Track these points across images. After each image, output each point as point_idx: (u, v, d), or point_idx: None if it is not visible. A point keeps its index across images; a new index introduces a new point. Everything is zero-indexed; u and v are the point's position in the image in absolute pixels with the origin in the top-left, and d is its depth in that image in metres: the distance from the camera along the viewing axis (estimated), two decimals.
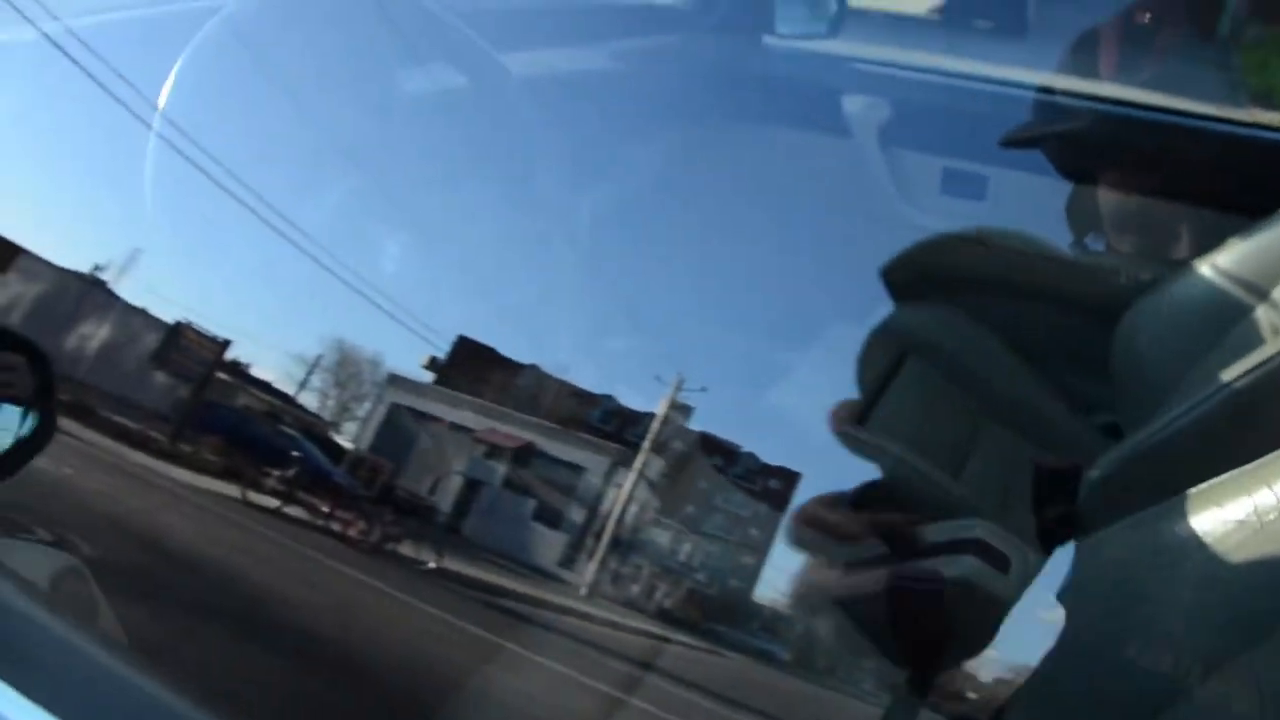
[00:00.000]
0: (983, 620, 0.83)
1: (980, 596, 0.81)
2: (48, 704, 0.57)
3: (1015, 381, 1.01)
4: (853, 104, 1.35)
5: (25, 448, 1.03)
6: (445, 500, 4.18)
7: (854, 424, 1.00)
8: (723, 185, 1.53)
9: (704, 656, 3.99)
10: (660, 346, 2.58)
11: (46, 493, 2.56)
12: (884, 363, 1.01)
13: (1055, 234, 1.30)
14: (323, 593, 3.30)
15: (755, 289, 1.67)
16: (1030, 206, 1.30)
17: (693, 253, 1.86)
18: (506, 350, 3.30)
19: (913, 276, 1.11)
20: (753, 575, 4.75)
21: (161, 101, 1.79)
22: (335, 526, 3.53)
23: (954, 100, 1.25)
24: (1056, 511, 0.82)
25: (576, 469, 4.59)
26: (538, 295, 2.52)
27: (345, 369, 2.87)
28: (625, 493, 4.07)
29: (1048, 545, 0.84)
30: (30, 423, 1.03)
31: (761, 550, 4.51)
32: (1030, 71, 1.29)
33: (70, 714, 0.58)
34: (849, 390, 1.14)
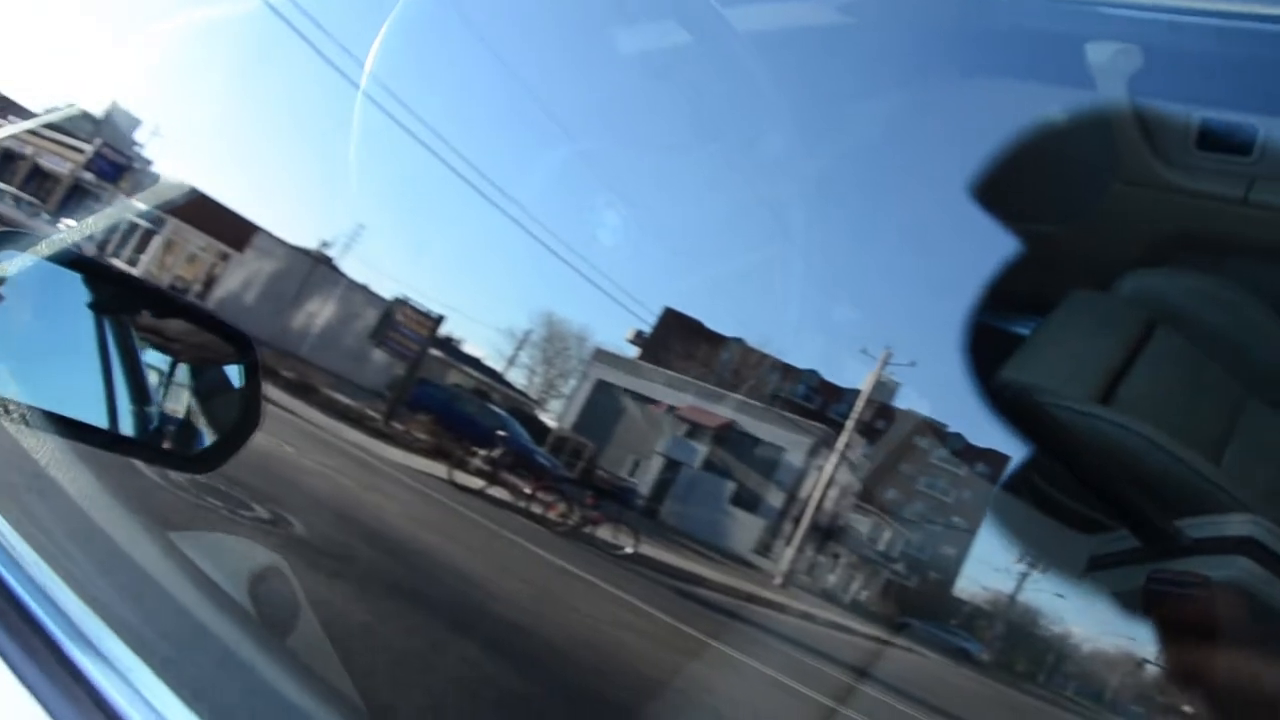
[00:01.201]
0: (1258, 633, 0.69)
1: (1255, 605, 0.68)
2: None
3: None
4: (1097, 52, 1.21)
5: (235, 435, 1.03)
6: (644, 481, 4.18)
7: (1098, 401, 0.87)
8: (951, 147, 1.42)
9: (898, 653, 3.86)
10: (872, 319, 2.47)
11: (268, 470, 2.68)
12: (1129, 334, 0.88)
13: None
14: (521, 580, 3.34)
15: (981, 257, 1.56)
16: None
17: (916, 218, 1.75)
18: (712, 323, 3.27)
19: (1167, 240, 0.98)
20: (954, 567, 4.57)
21: (370, 67, 1.82)
22: (536, 508, 3.58)
23: (1218, 43, 1.10)
24: None
25: (777, 449, 4.51)
26: (746, 265, 2.46)
27: (553, 344, 2.91)
28: (825, 475, 3.97)
29: None
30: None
31: (964, 540, 4.32)
32: None
33: None
34: (1070, 367, 1.03)
